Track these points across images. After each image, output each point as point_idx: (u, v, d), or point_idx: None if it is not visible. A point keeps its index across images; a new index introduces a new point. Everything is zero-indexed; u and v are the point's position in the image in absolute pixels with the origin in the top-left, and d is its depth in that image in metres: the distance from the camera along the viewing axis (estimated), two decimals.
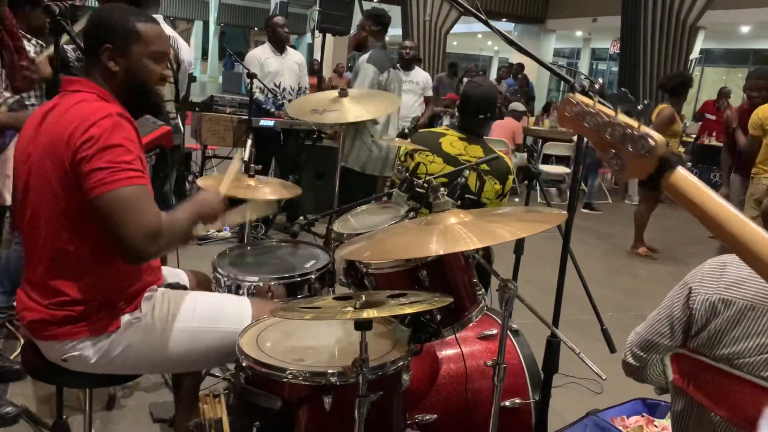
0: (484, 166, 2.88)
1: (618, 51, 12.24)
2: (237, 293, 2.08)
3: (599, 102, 1.12)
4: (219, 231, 5.21)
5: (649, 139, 1.03)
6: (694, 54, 11.90)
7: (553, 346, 1.75)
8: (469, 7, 1.72)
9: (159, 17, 3.56)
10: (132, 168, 1.59)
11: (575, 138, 1.84)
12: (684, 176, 1.03)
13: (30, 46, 2.86)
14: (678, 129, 5.70)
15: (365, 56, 4.23)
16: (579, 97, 1.13)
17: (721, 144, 9.04)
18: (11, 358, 2.82)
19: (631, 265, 5.77)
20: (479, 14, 1.72)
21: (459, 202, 2.04)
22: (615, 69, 16.70)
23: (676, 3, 10.46)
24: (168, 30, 3.58)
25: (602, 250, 6.13)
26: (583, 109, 1.11)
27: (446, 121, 8.50)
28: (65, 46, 3.03)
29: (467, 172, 2.10)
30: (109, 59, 1.73)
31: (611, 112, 1.09)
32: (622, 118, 1.07)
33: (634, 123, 1.06)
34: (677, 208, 8.70)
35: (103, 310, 1.73)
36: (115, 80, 1.75)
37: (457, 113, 2.99)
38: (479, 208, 2.92)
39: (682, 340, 1.61)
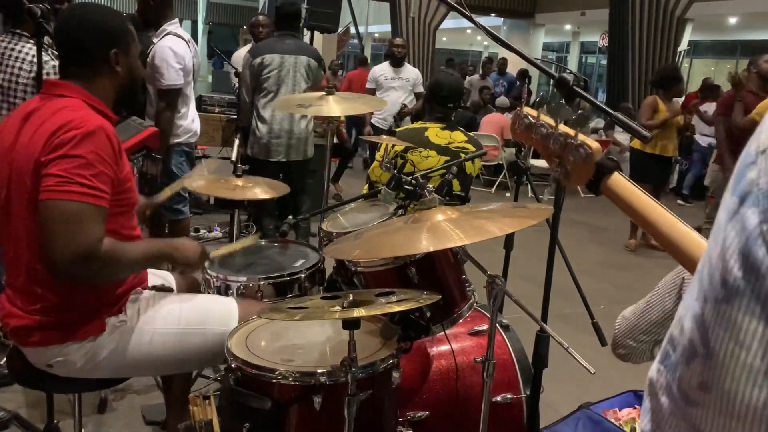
0: (470, 147, 2.91)
1: (607, 44, 12.28)
2: (226, 294, 2.07)
3: (543, 113, 1.20)
4: (209, 231, 5.19)
5: (587, 147, 1.10)
6: (683, 46, 11.93)
7: (542, 341, 1.75)
8: (454, 4, 1.71)
9: (176, 22, 3.57)
10: (86, 184, 1.55)
11: None
12: (620, 180, 1.10)
13: (48, 56, 2.81)
14: (662, 117, 5.67)
15: None
16: (526, 110, 1.20)
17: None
18: (0, 363, 2.80)
19: (623, 258, 5.79)
20: (464, 11, 1.71)
21: (447, 198, 2.05)
22: (604, 62, 16.74)
23: None
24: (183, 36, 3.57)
25: (594, 243, 6.15)
26: (531, 121, 1.18)
27: None
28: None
29: (454, 168, 2.10)
30: (116, 63, 1.75)
31: (553, 123, 1.15)
32: (562, 127, 1.14)
33: (572, 132, 1.13)
34: (667, 200, 8.74)
35: (87, 314, 1.72)
36: (117, 82, 1.77)
37: (425, 104, 3.02)
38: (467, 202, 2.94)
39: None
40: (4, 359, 2.78)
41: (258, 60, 3.99)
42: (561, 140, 1.14)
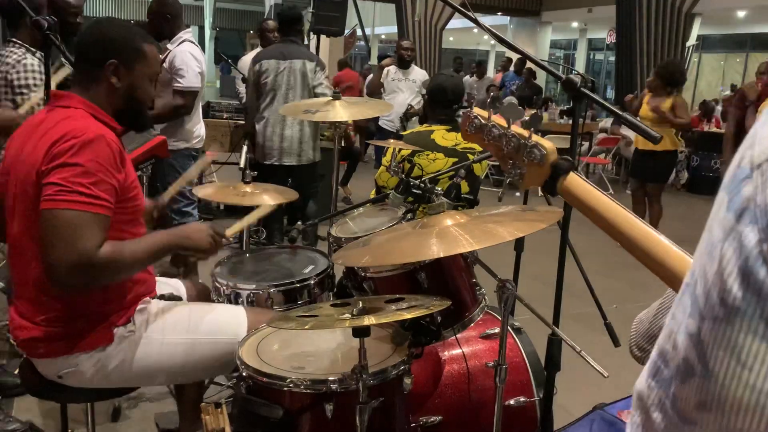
0: (477, 147, 2.89)
1: (614, 40, 12.23)
2: (236, 302, 2.07)
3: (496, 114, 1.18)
4: None
5: (541, 148, 1.08)
6: (691, 41, 11.86)
7: (554, 344, 1.74)
8: (458, 7, 1.71)
9: (190, 30, 3.66)
10: (85, 192, 1.55)
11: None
12: (576, 180, 1.07)
13: (34, 60, 2.83)
14: (642, 113, 5.61)
15: None
16: (477, 110, 1.17)
17: (722, 131, 9.01)
18: (15, 372, 2.82)
19: None
20: (469, 14, 1.70)
21: (455, 202, 2.04)
22: (612, 59, 16.66)
23: None
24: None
25: (604, 241, 6.09)
26: (481, 123, 1.16)
27: None
28: (62, 59, 3.04)
29: (462, 171, 2.09)
30: (112, 75, 1.73)
31: (505, 124, 1.13)
32: (515, 129, 1.12)
33: (525, 133, 1.10)
34: (680, 196, 8.68)
35: (94, 323, 1.72)
36: (114, 96, 1.75)
37: (427, 107, 3.00)
38: (475, 204, 2.93)
39: None
40: (17, 369, 2.80)
41: (257, 66, 4.10)
42: (514, 142, 1.11)
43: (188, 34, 3.67)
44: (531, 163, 1.09)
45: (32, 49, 2.86)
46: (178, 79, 3.50)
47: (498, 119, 1.15)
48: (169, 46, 3.59)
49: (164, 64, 3.49)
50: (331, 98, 2.59)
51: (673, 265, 0.91)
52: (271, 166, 4.10)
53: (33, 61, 2.80)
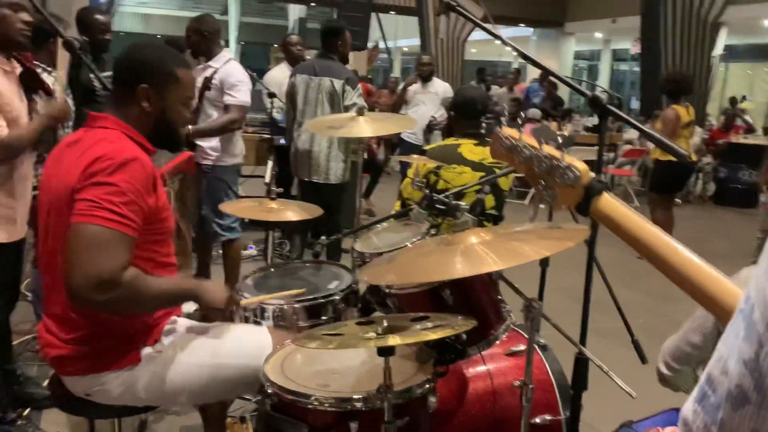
0: (504, 162, 2.88)
1: (639, 51, 12.13)
2: (262, 317, 2.08)
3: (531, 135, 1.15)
4: (244, 249, 5.24)
5: (574, 169, 1.06)
6: (718, 50, 11.72)
7: (581, 363, 1.71)
8: (480, 22, 1.71)
9: (227, 51, 3.75)
10: (115, 211, 1.56)
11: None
12: (610, 201, 1.05)
13: (50, 78, 2.90)
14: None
15: None
16: (507, 130, 1.16)
17: (750, 143, 8.85)
18: (44, 384, 2.86)
19: None
20: (489, 28, 1.70)
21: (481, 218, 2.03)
22: (637, 69, 16.52)
23: (696, 0, 10.33)
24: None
25: (630, 252, 6.01)
26: (512, 143, 1.14)
27: None
28: (91, 76, 3.10)
29: (487, 188, 2.08)
30: (144, 99, 1.75)
31: (537, 145, 1.11)
32: (547, 149, 1.10)
33: (558, 154, 1.09)
34: (707, 208, 8.55)
35: (123, 343, 1.74)
36: (146, 120, 1.77)
37: (452, 121, 2.99)
38: (501, 221, 2.91)
39: (713, 351, 1.58)
40: (46, 381, 2.84)
41: (291, 80, 4.12)
42: (546, 162, 1.10)
43: (227, 52, 3.77)
44: (563, 184, 1.07)
45: (48, 69, 2.94)
46: (234, 94, 3.59)
47: (528, 139, 1.14)
48: (213, 64, 3.66)
49: (213, 82, 3.56)
50: (355, 113, 2.61)
51: (712, 291, 0.89)
52: (305, 183, 4.13)
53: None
